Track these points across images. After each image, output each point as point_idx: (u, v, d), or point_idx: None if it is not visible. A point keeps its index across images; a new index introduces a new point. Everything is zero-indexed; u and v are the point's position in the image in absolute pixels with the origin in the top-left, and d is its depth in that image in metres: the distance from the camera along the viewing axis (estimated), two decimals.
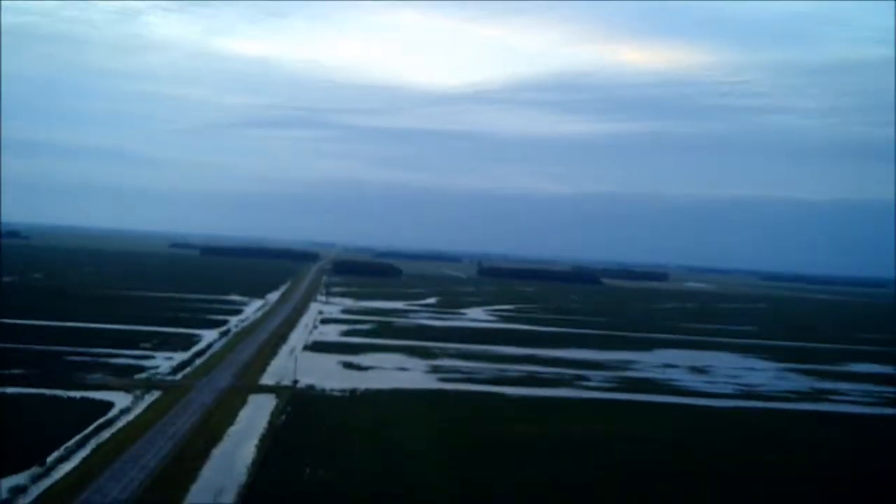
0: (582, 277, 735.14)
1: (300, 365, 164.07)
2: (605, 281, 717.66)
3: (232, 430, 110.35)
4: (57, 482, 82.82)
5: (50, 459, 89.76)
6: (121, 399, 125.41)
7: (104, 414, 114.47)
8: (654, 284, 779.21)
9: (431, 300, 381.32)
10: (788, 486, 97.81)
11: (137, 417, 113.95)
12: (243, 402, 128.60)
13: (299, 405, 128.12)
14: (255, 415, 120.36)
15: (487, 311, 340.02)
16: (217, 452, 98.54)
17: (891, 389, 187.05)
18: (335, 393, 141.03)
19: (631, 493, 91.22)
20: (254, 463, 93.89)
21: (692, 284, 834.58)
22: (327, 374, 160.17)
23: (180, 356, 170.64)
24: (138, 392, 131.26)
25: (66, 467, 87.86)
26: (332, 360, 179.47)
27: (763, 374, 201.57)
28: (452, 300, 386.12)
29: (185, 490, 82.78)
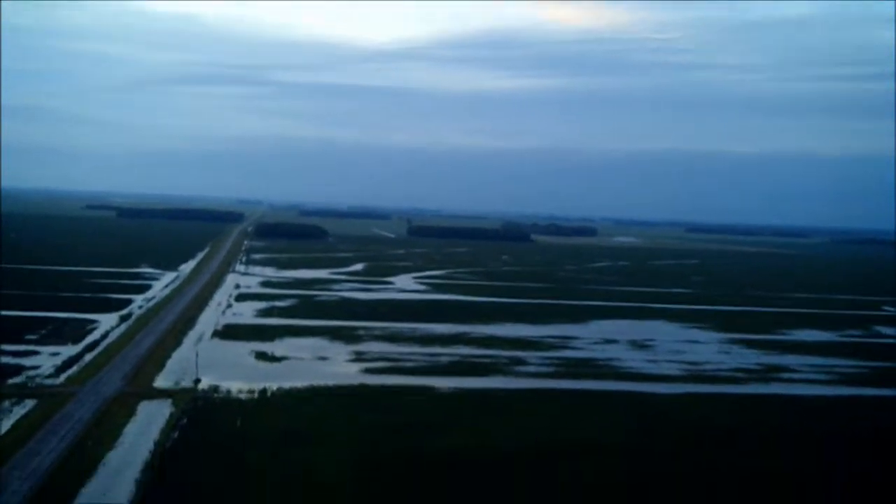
0: (513, 235, 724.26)
1: (206, 357, 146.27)
2: (536, 238, 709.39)
3: (110, 456, 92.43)
4: None
5: None
6: None
7: None
8: (584, 240, 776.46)
9: (358, 266, 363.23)
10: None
11: None
12: (131, 414, 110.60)
13: (196, 416, 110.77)
14: (143, 432, 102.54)
15: (417, 278, 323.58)
16: (85, 493, 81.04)
17: (837, 362, 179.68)
18: (241, 395, 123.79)
19: None
20: None
21: (621, 239, 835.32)
22: (235, 369, 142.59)
23: (69, 350, 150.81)
24: (7, 404, 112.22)
25: None
26: (243, 350, 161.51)
27: (707, 347, 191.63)
28: (380, 267, 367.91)
29: None
